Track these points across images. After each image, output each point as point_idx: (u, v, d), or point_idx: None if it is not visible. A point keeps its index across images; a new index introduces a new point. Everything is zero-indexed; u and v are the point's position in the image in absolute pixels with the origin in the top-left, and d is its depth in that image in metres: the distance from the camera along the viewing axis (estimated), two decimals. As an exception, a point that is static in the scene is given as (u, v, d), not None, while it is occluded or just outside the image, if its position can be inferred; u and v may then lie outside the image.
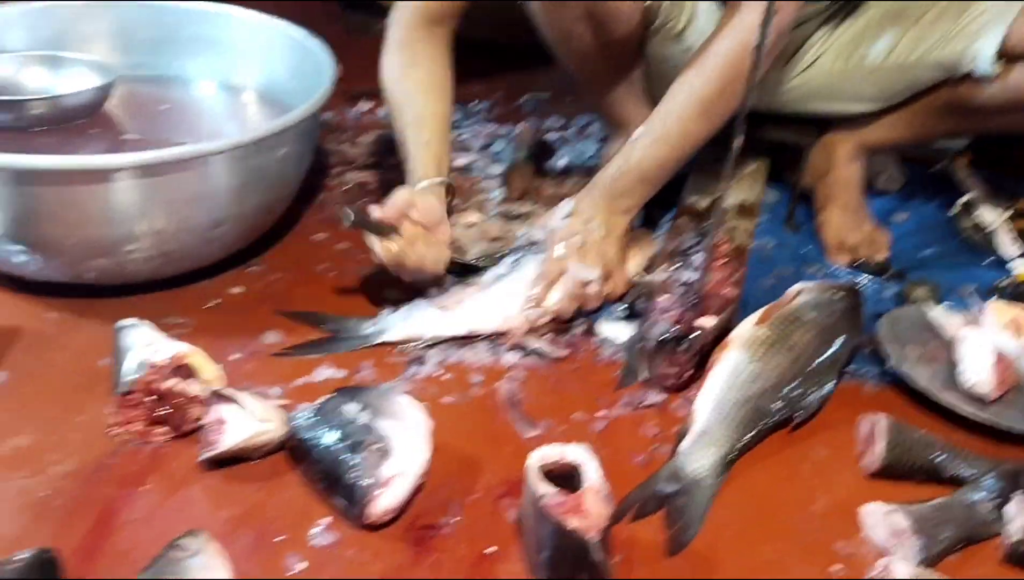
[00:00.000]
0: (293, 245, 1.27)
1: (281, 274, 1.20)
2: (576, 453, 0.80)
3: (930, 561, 0.82)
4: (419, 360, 1.04)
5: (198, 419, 0.89)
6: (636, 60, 1.29)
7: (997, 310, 1.08)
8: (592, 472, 0.78)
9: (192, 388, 0.89)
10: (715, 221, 0.99)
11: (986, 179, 1.48)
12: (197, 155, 1.00)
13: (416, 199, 1.10)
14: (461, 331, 1.08)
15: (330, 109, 1.66)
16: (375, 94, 1.72)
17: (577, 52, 1.22)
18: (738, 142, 0.92)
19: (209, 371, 0.91)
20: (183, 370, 0.89)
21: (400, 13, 1.27)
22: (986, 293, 1.22)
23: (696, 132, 1.12)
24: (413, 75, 1.23)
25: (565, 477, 0.80)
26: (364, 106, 1.69)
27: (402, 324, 1.08)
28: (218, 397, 0.86)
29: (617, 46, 1.22)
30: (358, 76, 1.79)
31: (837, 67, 1.32)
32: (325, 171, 1.45)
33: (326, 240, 1.27)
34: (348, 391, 0.88)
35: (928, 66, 1.24)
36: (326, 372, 1.01)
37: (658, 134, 1.13)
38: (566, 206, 1.15)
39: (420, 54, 1.25)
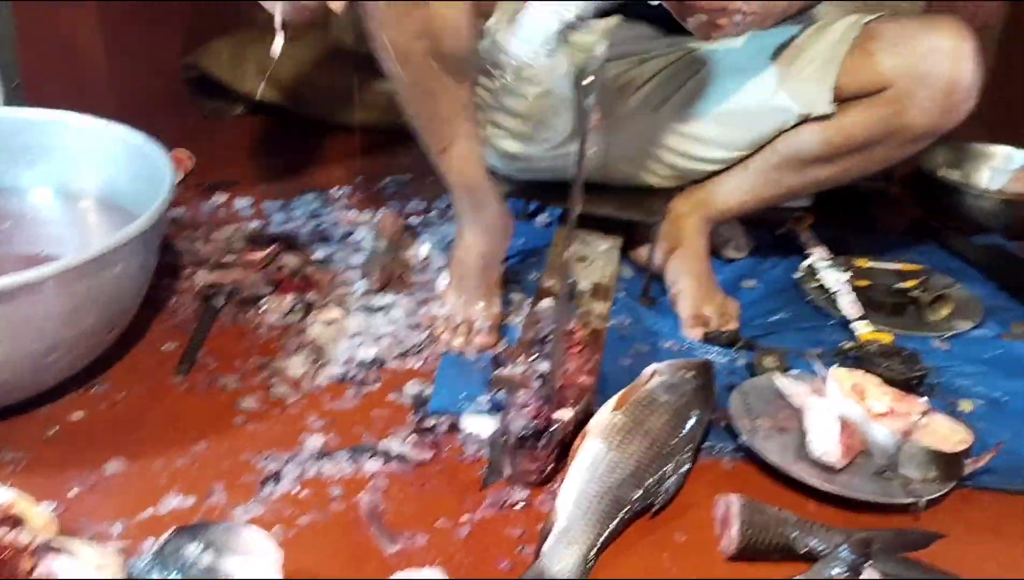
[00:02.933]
0: (141, 358, 1.21)
1: (128, 392, 1.14)
2: (431, 577, 0.78)
3: (789, 644, 0.84)
4: (275, 477, 1.01)
5: (30, 572, 0.83)
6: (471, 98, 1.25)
7: (839, 377, 1.12)
8: (447, 597, 0.77)
9: (21, 538, 0.83)
10: (557, 310, 0.99)
11: (829, 239, 1.56)
12: (22, 285, 0.95)
13: None
14: None
15: (182, 204, 1.62)
16: (230, 184, 1.71)
17: (418, 78, 1.18)
18: (574, 216, 0.93)
19: (38, 518, 0.85)
20: (9, 520, 0.83)
21: None
22: (832, 356, 1.27)
23: None
24: None
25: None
26: (219, 199, 1.65)
27: None
28: (48, 549, 0.81)
29: (452, 63, 1.18)
30: (213, 166, 1.77)
31: (685, 111, 1.36)
32: (176, 272, 1.40)
33: (177, 349, 1.23)
34: (189, 530, 0.83)
35: (769, 110, 1.30)
36: (173, 501, 0.97)
37: None
38: None
39: None
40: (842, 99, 1.25)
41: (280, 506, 0.97)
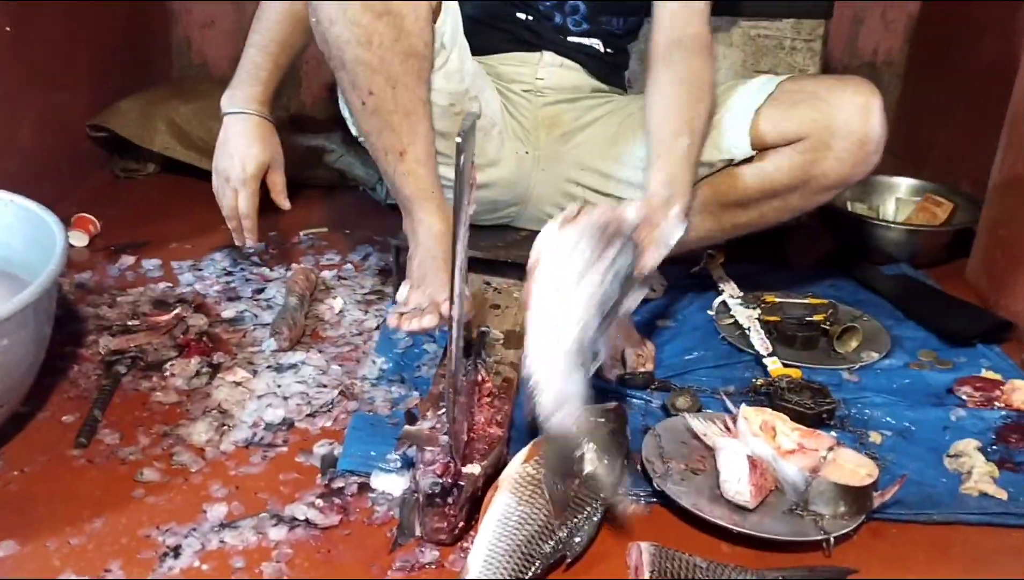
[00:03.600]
0: (39, 431, 1.16)
1: (23, 469, 1.09)
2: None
3: None
4: (174, 552, 0.97)
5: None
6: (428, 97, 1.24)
7: (748, 415, 1.13)
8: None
9: None
10: (451, 365, 0.97)
11: (742, 275, 1.58)
12: None
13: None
14: None
15: (88, 269, 1.58)
16: (138, 246, 1.67)
17: (380, 62, 1.16)
18: (461, 265, 0.91)
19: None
20: None
21: None
22: (744, 394, 1.28)
23: None
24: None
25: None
26: (126, 261, 1.61)
27: None
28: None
29: (413, 47, 1.17)
30: (121, 228, 1.74)
31: (611, 153, 1.39)
32: (79, 339, 1.36)
33: (77, 420, 1.18)
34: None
35: None
36: (66, 584, 0.93)
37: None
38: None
39: None
40: (762, 148, 1.30)
41: (179, 582, 0.94)
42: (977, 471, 1.13)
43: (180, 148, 1.94)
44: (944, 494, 1.11)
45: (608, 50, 1.42)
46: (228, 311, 1.46)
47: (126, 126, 1.94)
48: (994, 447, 1.18)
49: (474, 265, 1.34)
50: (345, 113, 1.33)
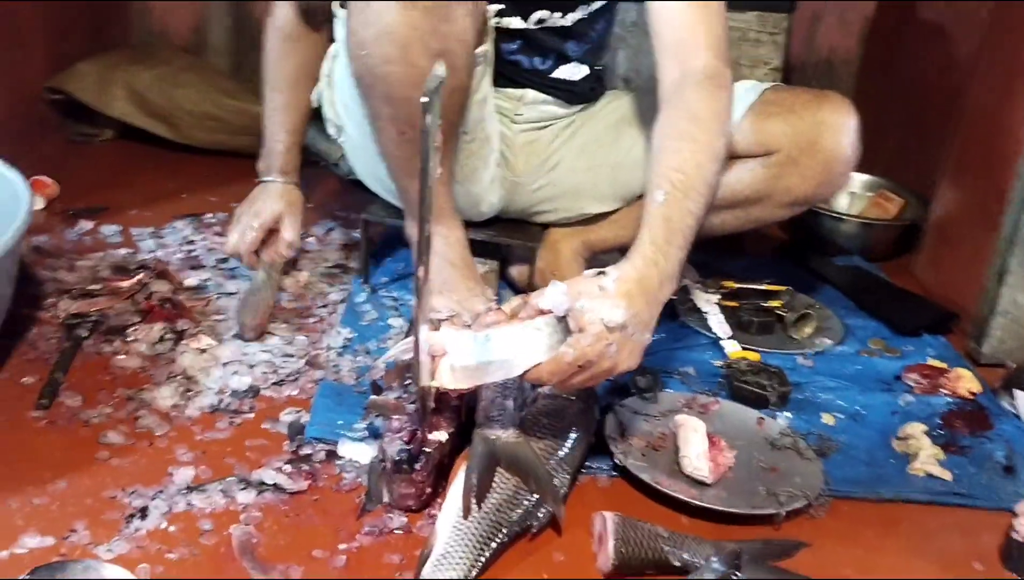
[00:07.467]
0: (-3, 392, 1.15)
1: (-19, 428, 1.08)
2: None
3: (663, 657, 0.86)
4: (141, 513, 0.97)
5: None
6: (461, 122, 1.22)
7: None
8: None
9: None
10: (417, 333, 0.98)
11: (701, 262, 1.61)
12: None
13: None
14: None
15: (45, 232, 1.55)
16: (97, 211, 1.64)
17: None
18: (427, 231, 0.91)
19: None
20: None
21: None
22: (706, 375, 1.32)
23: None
24: (288, 64, 1.41)
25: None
26: (85, 226, 1.58)
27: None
28: None
29: (461, 81, 1.14)
30: (80, 193, 1.71)
31: (581, 164, 1.40)
32: (37, 302, 1.34)
33: (37, 382, 1.16)
34: (46, 569, 0.79)
35: None
36: (31, 541, 0.91)
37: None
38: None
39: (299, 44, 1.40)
40: (732, 156, 1.28)
41: (147, 542, 0.93)
42: (923, 453, 1.17)
43: (139, 115, 1.91)
44: (892, 474, 1.16)
45: (595, 68, 1.42)
46: (191, 279, 1.44)
47: (84, 90, 1.90)
48: (940, 431, 1.24)
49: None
50: (340, 119, 1.36)
